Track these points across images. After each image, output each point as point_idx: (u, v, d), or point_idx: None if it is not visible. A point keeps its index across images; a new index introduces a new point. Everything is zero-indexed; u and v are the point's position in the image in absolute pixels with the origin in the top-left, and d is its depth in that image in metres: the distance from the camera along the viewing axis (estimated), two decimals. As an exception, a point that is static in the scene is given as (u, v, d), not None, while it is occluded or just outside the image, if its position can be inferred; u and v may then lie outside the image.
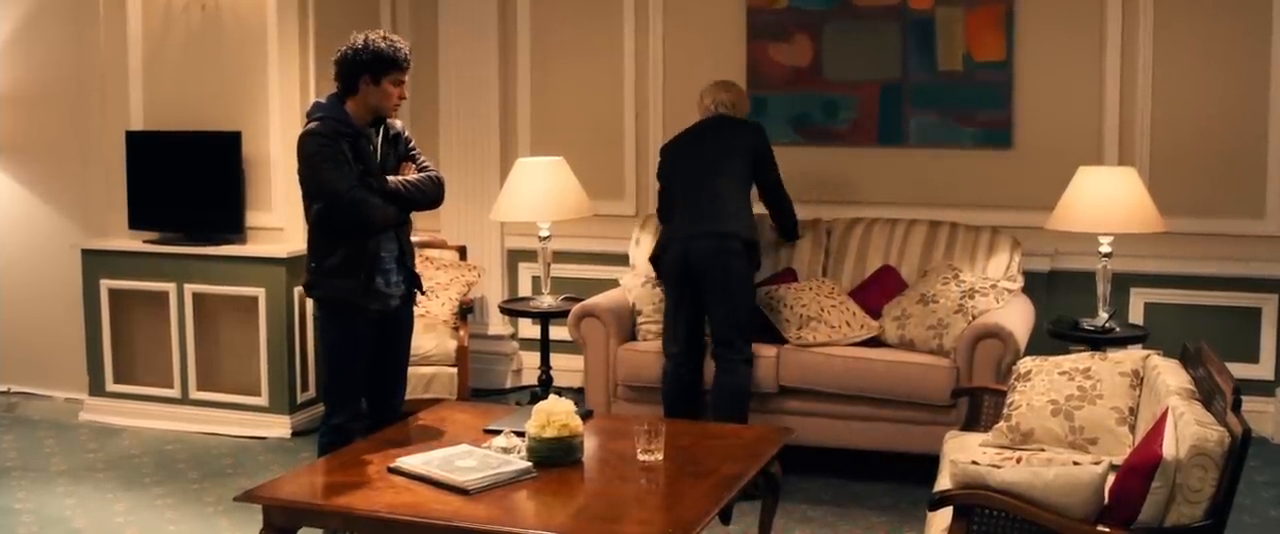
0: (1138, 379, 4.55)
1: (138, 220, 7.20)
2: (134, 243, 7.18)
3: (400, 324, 5.17)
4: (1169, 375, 4.24)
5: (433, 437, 4.70)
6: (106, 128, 7.29)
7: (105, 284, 7.21)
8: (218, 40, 7.02)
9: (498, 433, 4.62)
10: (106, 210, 7.33)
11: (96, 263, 7.22)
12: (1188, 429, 3.56)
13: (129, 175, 7.17)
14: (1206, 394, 4.01)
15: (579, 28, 7.59)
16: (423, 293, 5.31)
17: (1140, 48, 6.64)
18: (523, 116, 7.72)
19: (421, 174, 5.06)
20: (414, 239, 7.35)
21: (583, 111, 7.62)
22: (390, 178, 4.96)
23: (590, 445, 4.52)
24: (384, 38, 4.92)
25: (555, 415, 4.36)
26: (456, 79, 7.72)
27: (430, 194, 5.06)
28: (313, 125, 4.92)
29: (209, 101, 7.05)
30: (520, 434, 4.46)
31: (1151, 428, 3.83)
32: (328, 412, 5.16)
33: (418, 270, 5.29)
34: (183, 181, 7.08)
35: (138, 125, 7.20)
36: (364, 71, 4.87)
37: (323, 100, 5.03)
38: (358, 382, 5.11)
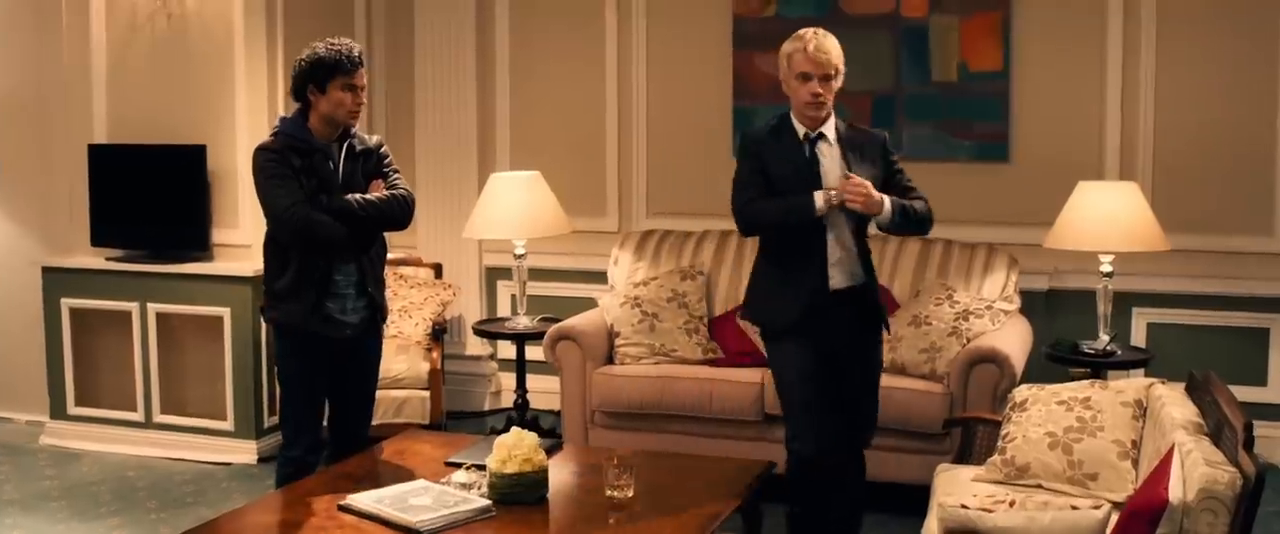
0: (1141, 409, 4.27)
1: (100, 237, 6.93)
2: (96, 260, 6.92)
3: (362, 353, 4.90)
4: (1174, 407, 3.98)
5: (392, 470, 4.48)
6: (69, 140, 7.02)
7: (66, 303, 6.94)
8: (184, 50, 6.76)
9: (459, 466, 4.39)
10: (68, 226, 7.06)
11: (57, 281, 6.96)
12: (1196, 470, 3.29)
13: (91, 190, 6.91)
14: (1215, 427, 3.75)
15: (560, 38, 7.35)
16: (384, 322, 5.01)
17: (1143, 57, 6.42)
18: (501, 129, 7.46)
19: (387, 192, 4.78)
20: (389, 256, 7.24)
21: (564, 124, 7.37)
22: (350, 195, 4.68)
23: (557, 480, 4.28)
24: (328, 44, 4.67)
25: (517, 449, 4.11)
26: (433, 91, 7.46)
27: (392, 214, 4.77)
28: (265, 140, 4.70)
29: (174, 114, 6.79)
30: (482, 467, 4.20)
31: (1156, 468, 3.56)
32: (285, 442, 4.91)
33: (387, 296, 5.02)
34: (146, 197, 6.82)
35: (101, 138, 6.94)
36: (308, 81, 4.64)
37: (288, 115, 4.81)
38: (315, 411, 4.86)
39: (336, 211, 4.62)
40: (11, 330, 7.40)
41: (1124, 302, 6.29)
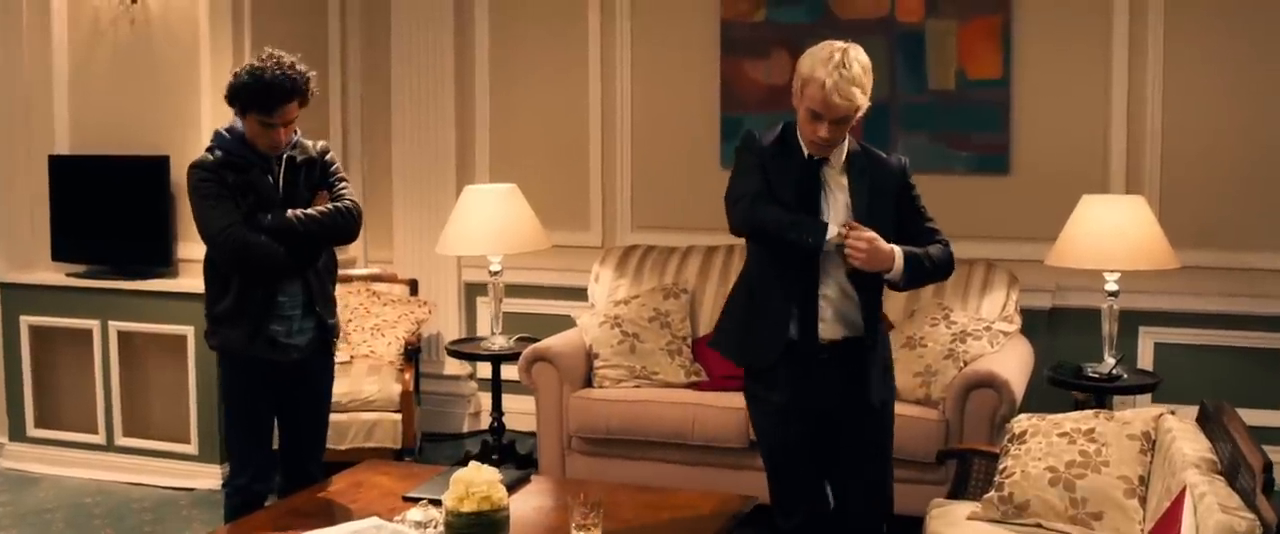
0: (1149, 442, 3.98)
1: (62, 251, 6.65)
2: (57, 276, 6.64)
3: (312, 376, 4.62)
4: (1185, 441, 3.69)
5: (345, 505, 4.20)
6: (30, 151, 6.74)
7: (25, 321, 6.66)
8: (148, 56, 6.49)
9: (416, 502, 4.10)
10: (31, 241, 6.77)
11: (16, 298, 6.67)
12: (1211, 516, 3.00)
13: (52, 203, 6.63)
14: (1230, 466, 3.46)
15: (541, 44, 7.08)
16: (335, 340, 4.72)
17: (1150, 63, 6.16)
18: (481, 139, 7.20)
19: (330, 205, 4.48)
20: (362, 271, 6.98)
21: (545, 134, 7.10)
22: (290, 211, 4.39)
23: (519, 517, 3.99)
24: (258, 69, 4.32)
25: (475, 486, 3.80)
26: (410, 99, 7.18)
27: (336, 228, 4.48)
28: (200, 156, 4.43)
29: (138, 123, 6.51)
30: (439, 503, 3.91)
31: (1166, 512, 3.27)
32: (232, 470, 4.64)
33: (340, 315, 4.73)
34: (108, 210, 6.53)
35: (63, 149, 6.66)
36: (231, 101, 4.35)
37: (224, 127, 4.52)
38: (261, 438, 4.60)
39: (276, 229, 4.34)
40: (-31, 349, 7.13)
41: (1130, 321, 6.03)
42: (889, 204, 3.98)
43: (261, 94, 4.28)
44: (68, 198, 6.59)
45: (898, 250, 3.85)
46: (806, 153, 3.93)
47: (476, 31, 7.15)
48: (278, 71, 4.30)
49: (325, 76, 7.27)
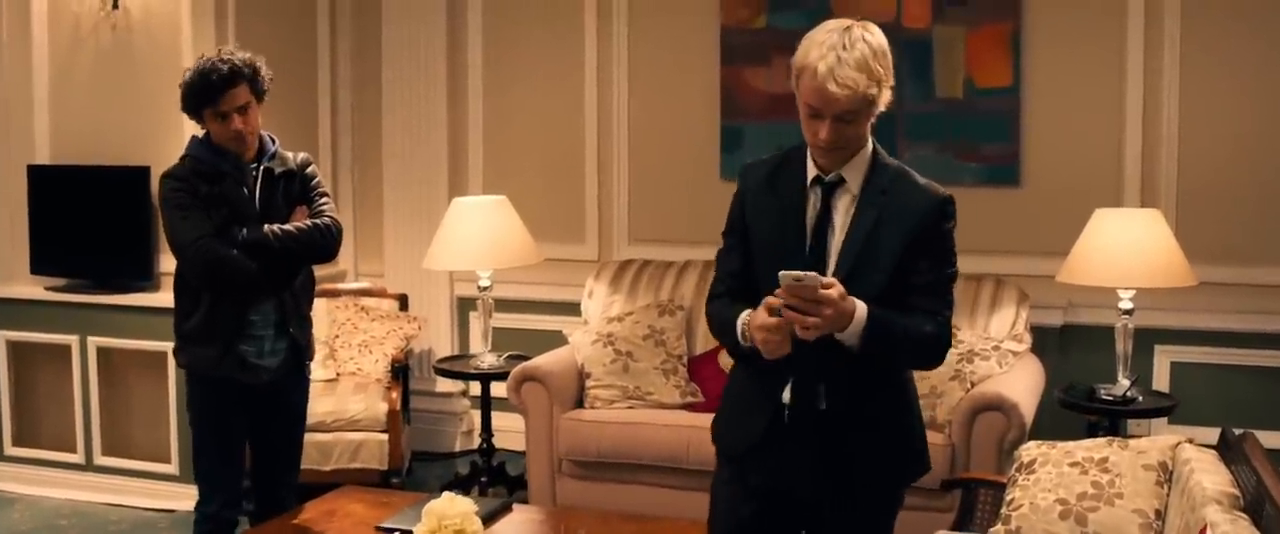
0: (1166, 473, 3.74)
1: (41, 264, 6.46)
2: (35, 290, 6.45)
3: (285, 399, 4.42)
4: (1205, 474, 3.45)
5: (315, 535, 3.97)
6: (9, 160, 6.55)
7: (4, 335, 6.48)
8: (129, 64, 6.30)
9: (389, 533, 3.90)
10: (9, 253, 6.58)
11: (-6, 311, 6.49)
12: (1233, 561, 2.76)
13: (31, 214, 6.44)
14: (1253, 502, 3.22)
15: (537, 51, 6.89)
16: (309, 362, 4.51)
17: (1165, 71, 5.94)
18: (474, 149, 7.00)
19: (309, 221, 4.29)
20: (351, 286, 6.77)
21: (540, 144, 6.91)
22: (267, 226, 4.19)
23: (497, 551, 3.76)
24: (197, 67, 4.20)
25: (448, 519, 3.63)
26: (402, 109, 6.99)
27: (313, 245, 4.29)
28: (171, 165, 4.24)
29: (119, 132, 6.32)
30: (412, 535, 3.70)
31: (1185, 553, 3.02)
32: (201, 497, 4.43)
33: (327, 331, 4.54)
34: (89, 221, 6.34)
35: (43, 158, 6.47)
36: (185, 109, 4.22)
37: (200, 134, 4.33)
38: (231, 463, 4.41)
39: (250, 245, 4.15)
40: (-52, 364, 6.94)
41: (1146, 338, 5.80)
42: (894, 250, 3.06)
43: (203, 87, 4.15)
44: (47, 209, 6.42)
45: (860, 308, 2.96)
46: (812, 175, 3.12)
47: (469, 38, 6.96)
48: (215, 60, 4.18)
49: (314, 85, 7.10)
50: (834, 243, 3.08)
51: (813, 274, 2.87)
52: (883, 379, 3.19)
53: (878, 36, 3.04)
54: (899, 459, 3.30)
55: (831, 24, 3.03)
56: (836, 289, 2.91)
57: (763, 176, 3.21)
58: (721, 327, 3.20)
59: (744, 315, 3.06)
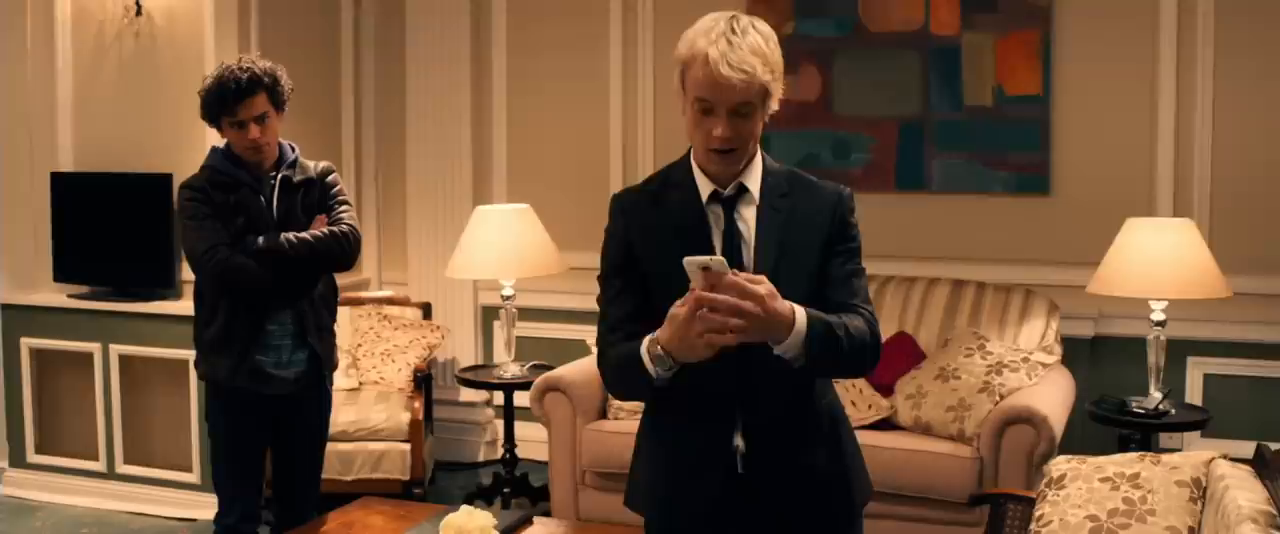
0: (1199, 490, 3.65)
1: (64, 271, 6.44)
2: (58, 297, 6.43)
3: (305, 411, 4.37)
4: (1240, 491, 3.36)
5: (333, 549, 3.92)
6: (33, 168, 6.55)
7: (26, 343, 6.46)
8: (152, 72, 6.28)
9: (408, 546, 3.85)
10: (32, 260, 6.57)
11: (17, 319, 6.47)
12: (1270, 582, 2.68)
13: (54, 222, 6.42)
14: (1291, 519, 3.13)
15: (561, 60, 6.85)
16: (329, 374, 4.46)
17: (1198, 78, 5.84)
18: (498, 157, 6.96)
19: (326, 229, 4.25)
20: (374, 294, 6.73)
21: (565, 152, 6.86)
22: (284, 234, 4.16)
23: (516, 565, 3.70)
24: (216, 74, 4.19)
25: (467, 533, 3.53)
26: (426, 117, 6.95)
27: (330, 253, 4.24)
28: (189, 175, 4.23)
29: (142, 139, 6.30)
30: (432, 550, 3.65)
31: (1220, 574, 2.94)
32: (219, 509, 4.39)
33: (350, 340, 4.50)
34: (111, 229, 6.32)
35: (66, 166, 6.45)
36: (204, 117, 4.20)
37: (219, 144, 4.33)
38: (249, 476, 4.36)
39: (265, 253, 4.11)
40: (-27, 371, 6.93)
41: (1178, 350, 5.71)
42: (812, 252, 2.81)
43: (221, 95, 4.13)
44: (70, 216, 6.40)
45: (798, 311, 2.62)
46: (707, 192, 2.81)
47: (494, 50, 6.94)
48: (234, 69, 4.15)
49: (339, 94, 7.07)
50: (748, 256, 2.77)
51: (720, 259, 2.53)
52: (820, 402, 2.89)
53: (766, 26, 2.75)
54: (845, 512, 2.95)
55: (713, 15, 2.72)
56: (766, 286, 2.56)
57: (645, 204, 2.86)
58: (622, 366, 2.75)
59: (646, 339, 2.66)
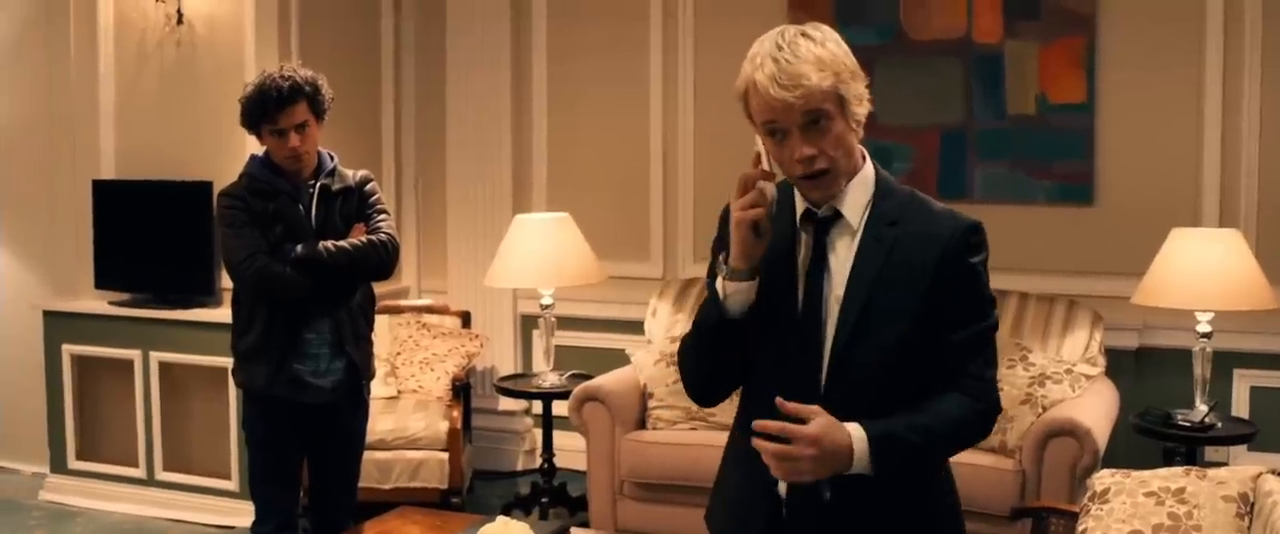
0: (1246, 506, 3.59)
1: (105, 278, 6.48)
2: (99, 304, 6.46)
3: (342, 420, 4.36)
4: (1289, 507, 3.30)
5: (370, 559, 3.91)
6: (74, 175, 6.59)
7: (67, 349, 6.49)
8: (193, 79, 6.30)
9: (443, 557, 3.83)
10: (73, 267, 6.61)
11: (58, 326, 6.50)
12: (1320, 602, 2.62)
13: (95, 229, 6.46)
14: (1340, 537, 3.07)
15: (602, 69, 6.80)
16: (367, 383, 4.45)
17: (1245, 86, 5.74)
18: (538, 166, 6.94)
19: (365, 237, 4.24)
20: (414, 303, 6.73)
21: (605, 161, 6.83)
22: (322, 243, 4.16)
23: (553, 577, 3.67)
24: (257, 82, 4.20)
25: (503, 544, 3.51)
26: (466, 125, 6.95)
27: (368, 261, 4.24)
28: (229, 183, 4.22)
29: (183, 147, 6.32)
30: (468, 561, 3.63)
31: (1269, 593, 2.89)
32: (256, 518, 4.39)
33: (389, 348, 4.49)
34: (152, 236, 6.35)
35: (108, 173, 6.48)
36: (244, 124, 4.19)
37: (258, 153, 4.35)
38: (286, 485, 4.37)
39: (303, 261, 4.11)
40: (15, 377, 6.98)
41: (1224, 362, 5.61)
42: (914, 295, 2.48)
43: (261, 102, 4.14)
44: (111, 223, 6.43)
45: (855, 434, 2.39)
46: (802, 209, 2.57)
47: (534, 55, 6.91)
48: (275, 77, 4.16)
49: (379, 103, 7.07)
50: (831, 292, 2.51)
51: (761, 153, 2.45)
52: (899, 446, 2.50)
53: (822, 29, 2.51)
54: None
55: (761, 39, 2.52)
56: (815, 423, 2.35)
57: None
58: (694, 326, 2.65)
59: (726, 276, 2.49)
